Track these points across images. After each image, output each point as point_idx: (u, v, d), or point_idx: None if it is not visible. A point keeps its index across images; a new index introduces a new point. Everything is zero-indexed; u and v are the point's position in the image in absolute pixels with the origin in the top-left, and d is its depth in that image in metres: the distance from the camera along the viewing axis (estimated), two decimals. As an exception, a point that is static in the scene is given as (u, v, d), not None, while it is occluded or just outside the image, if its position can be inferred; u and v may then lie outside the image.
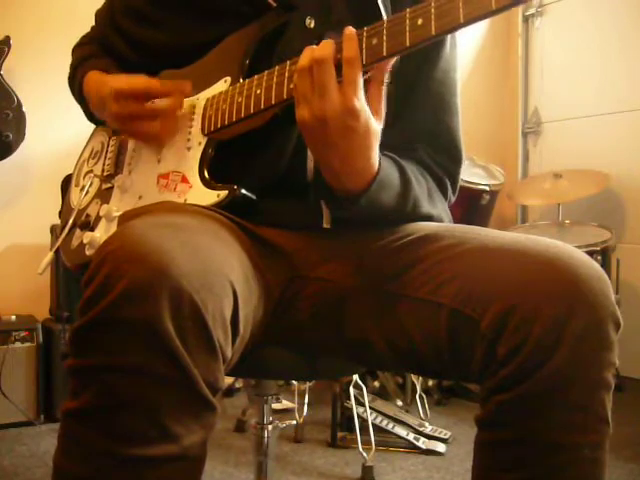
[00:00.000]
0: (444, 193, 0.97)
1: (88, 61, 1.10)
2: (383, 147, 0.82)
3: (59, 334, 2.29)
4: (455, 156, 0.98)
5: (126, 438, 0.63)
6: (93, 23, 1.19)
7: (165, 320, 0.62)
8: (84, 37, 1.19)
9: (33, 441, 2.14)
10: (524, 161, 3.53)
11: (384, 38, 0.73)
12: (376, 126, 0.78)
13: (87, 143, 1.19)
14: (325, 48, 0.76)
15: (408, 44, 0.71)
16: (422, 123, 0.96)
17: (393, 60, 0.76)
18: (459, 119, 0.99)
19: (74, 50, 1.18)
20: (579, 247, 0.73)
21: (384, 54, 0.73)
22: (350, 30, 0.76)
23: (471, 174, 2.67)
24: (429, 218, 0.92)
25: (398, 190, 0.86)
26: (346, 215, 0.86)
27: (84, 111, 1.13)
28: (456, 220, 0.97)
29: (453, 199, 1.00)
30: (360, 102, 0.75)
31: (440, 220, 0.94)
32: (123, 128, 1.00)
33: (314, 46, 0.77)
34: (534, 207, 3.43)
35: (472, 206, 2.63)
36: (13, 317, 2.34)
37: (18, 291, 2.50)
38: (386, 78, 0.77)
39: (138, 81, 0.96)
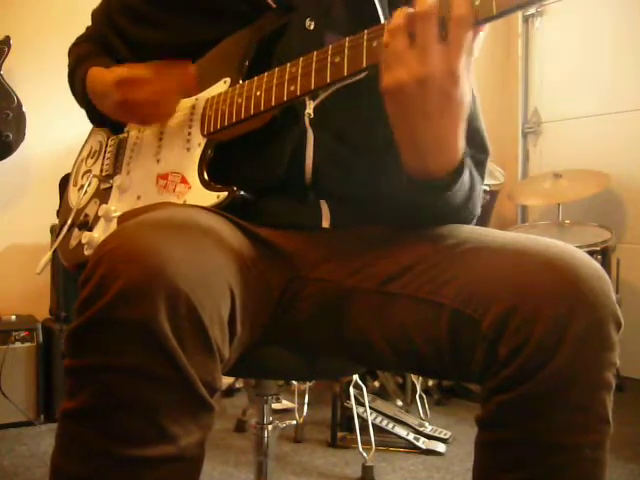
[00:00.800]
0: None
1: (87, 59, 1.10)
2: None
3: (59, 334, 2.29)
4: (482, 146, 0.94)
5: (123, 438, 0.63)
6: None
7: (161, 320, 0.62)
8: (80, 37, 1.18)
9: (33, 441, 2.14)
10: (524, 161, 3.53)
11: None
12: (469, 99, 0.72)
13: (85, 142, 1.19)
14: (427, 3, 0.69)
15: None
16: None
17: (484, 30, 0.70)
18: (478, 107, 0.95)
19: (71, 50, 1.17)
20: (579, 247, 0.73)
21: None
22: None
23: (471, 174, 2.67)
24: (473, 220, 0.88)
25: (468, 185, 0.81)
26: (428, 202, 0.79)
27: (86, 111, 1.13)
28: (456, 220, 0.96)
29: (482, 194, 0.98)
30: (462, 67, 0.69)
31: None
32: (127, 116, 1.01)
33: (406, 7, 0.71)
34: (534, 207, 3.43)
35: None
36: (13, 317, 2.34)
37: (18, 291, 2.50)
38: (474, 50, 0.71)
39: (139, 68, 0.97)
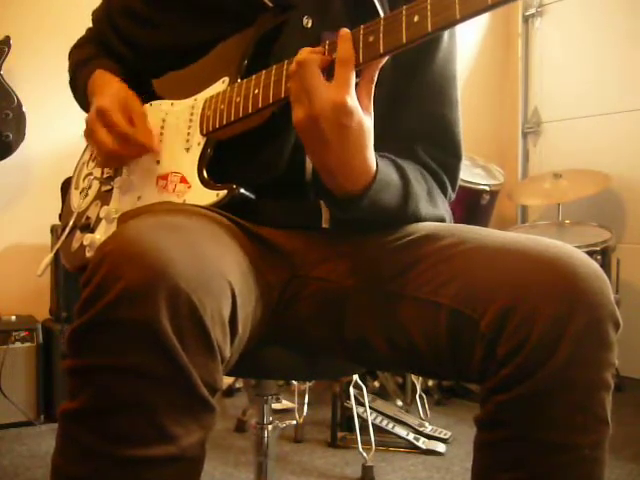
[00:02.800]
0: (444, 191, 0.97)
1: (90, 62, 1.10)
2: (379, 149, 0.82)
3: (59, 334, 2.29)
4: (454, 151, 0.98)
5: (124, 439, 0.63)
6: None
7: (163, 320, 0.62)
8: (80, 39, 1.18)
9: (33, 441, 2.14)
10: (524, 161, 3.53)
11: (380, 36, 0.74)
12: (369, 124, 0.78)
13: (87, 146, 1.19)
14: (307, 51, 0.78)
15: (405, 41, 0.71)
16: (419, 117, 0.96)
17: (385, 59, 0.77)
18: (459, 112, 0.99)
19: (71, 52, 1.17)
20: (579, 247, 0.73)
21: (381, 52, 0.74)
22: (345, 31, 0.76)
23: (471, 174, 2.67)
24: (430, 219, 0.91)
25: (399, 191, 0.86)
26: (348, 216, 0.85)
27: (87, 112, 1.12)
28: (456, 220, 0.97)
29: (453, 196, 1.00)
30: (352, 100, 0.75)
31: (441, 220, 0.93)
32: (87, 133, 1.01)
33: (308, 48, 0.79)
34: (534, 207, 3.43)
35: (472, 206, 2.63)
36: (13, 317, 2.34)
37: (18, 291, 2.50)
38: (375, 76, 0.78)
39: (119, 113, 0.97)
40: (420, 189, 0.90)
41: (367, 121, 0.77)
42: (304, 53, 0.78)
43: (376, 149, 0.81)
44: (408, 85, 0.95)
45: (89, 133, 0.99)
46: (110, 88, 1.01)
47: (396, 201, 0.86)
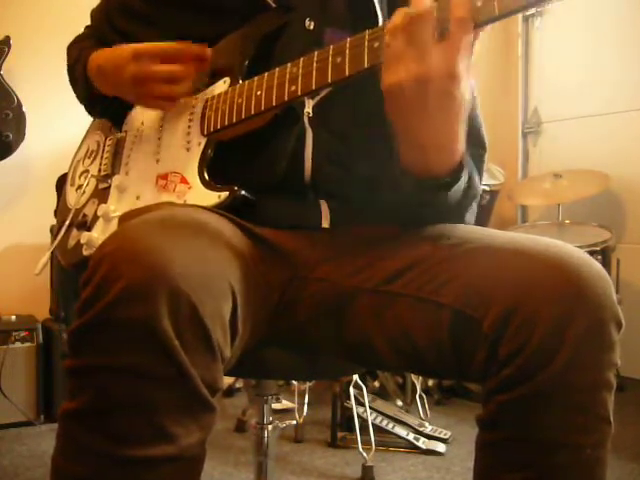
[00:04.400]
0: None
1: (91, 49, 1.09)
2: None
3: (59, 334, 2.29)
4: (482, 143, 0.95)
5: (124, 439, 0.63)
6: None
7: (163, 320, 0.62)
8: (78, 36, 1.18)
9: (33, 441, 2.14)
10: (524, 161, 3.53)
11: None
12: (468, 98, 0.72)
13: (82, 142, 1.19)
14: (425, 4, 0.70)
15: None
16: None
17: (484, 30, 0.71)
18: (481, 116, 0.96)
19: (70, 47, 1.16)
20: (579, 247, 0.73)
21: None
22: None
23: (471, 174, 2.67)
24: (468, 222, 0.89)
25: (465, 183, 0.82)
26: (427, 200, 0.80)
27: (87, 101, 1.10)
28: (456, 220, 0.96)
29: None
30: (462, 67, 0.70)
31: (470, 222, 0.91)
32: (138, 92, 0.97)
33: (405, 8, 0.71)
34: (534, 207, 3.43)
35: (472, 206, 2.62)
36: (13, 317, 2.34)
37: (18, 291, 2.50)
38: (474, 49, 0.72)
39: (158, 44, 0.95)
40: (477, 185, 0.88)
41: (468, 95, 0.72)
42: (421, 6, 0.69)
43: None
44: None
45: (139, 77, 0.94)
46: (121, 46, 0.98)
47: (462, 195, 0.83)
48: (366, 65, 0.75)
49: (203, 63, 0.96)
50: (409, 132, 0.75)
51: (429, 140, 0.74)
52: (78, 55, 1.10)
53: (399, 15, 0.71)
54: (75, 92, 1.13)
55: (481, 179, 0.95)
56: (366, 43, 0.75)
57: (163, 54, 0.94)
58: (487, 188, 2.66)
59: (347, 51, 0.77)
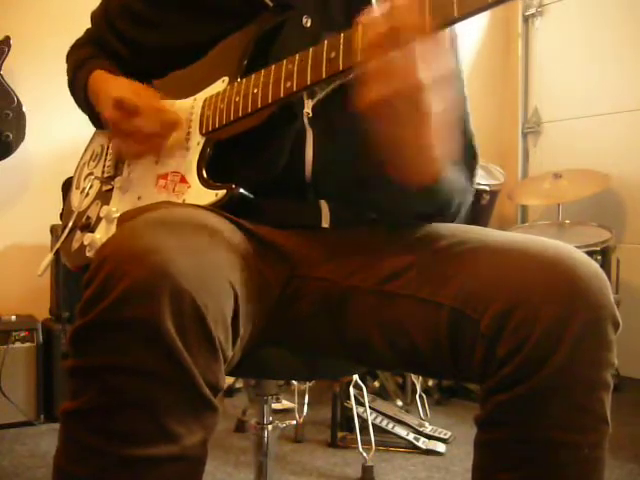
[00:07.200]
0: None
1: (89, 62, 1.10)
2: None
3: (59, 334, 2.29)
4: (474, 154, 0.97)
5: (126, 438, 0.63)
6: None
7: (166, 320, 0.62)
8: (78, 40, 1.18)
9: (33, 441, 2.14)
10: (524, 161, 3.53)
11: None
12: (442, 110, 0.73)
13: (87, 146, 1.20)
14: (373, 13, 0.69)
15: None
16: None
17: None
18: (469, 108, 0.97)
19: (69, 54, 1.17)
20: (579, 247, 0.73)
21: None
22: None
23: (471, 174, 2.67)
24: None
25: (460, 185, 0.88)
26: (414, 204, 0.85)
27: (88, 114, 1.12)
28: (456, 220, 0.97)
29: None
30: (423, 76, 0.69)
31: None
32: (114, 134, 1.00)
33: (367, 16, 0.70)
34: (534, 207, 3.43)
35: (472, 206, 2.62)
36: (13, 317, 2.34)
37: (18, 291, 2.50)
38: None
39: (138, 98, 0.95)
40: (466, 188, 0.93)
41: (436, 105, 0.72)
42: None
43: None
44: None
45: (117, 127, 0.96)
46: (117, 81, 1.01)
47: (448, 197, 0.87)
48: (360, 59, 0.75)
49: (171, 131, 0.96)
50: (390, 143, 0.75)
51: (406, 150, 0.75)
52: (76, 67, 1.11)
53: (373, 26, 0.70)
54: (75, 101, 1.14)
55: (472, 184, 0.98)
56: (360, 37, 0.75)
57: (140, 112, 0.94)
58: (487, 188, 2.65)
59: (341, 46, 0.77)
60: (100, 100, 1.03)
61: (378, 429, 2.13)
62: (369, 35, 0.70)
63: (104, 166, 1.09)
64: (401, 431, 2.19)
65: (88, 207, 1.07)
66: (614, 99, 3.07)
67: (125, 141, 0.98)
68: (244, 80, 0.90)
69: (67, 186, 1.19)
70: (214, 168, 0.93)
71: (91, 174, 1.11)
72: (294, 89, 0.82)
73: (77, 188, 1.15)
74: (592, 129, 3.16)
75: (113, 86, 0.99)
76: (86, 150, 1.19)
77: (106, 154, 1.11)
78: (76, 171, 1.19)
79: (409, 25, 0.67)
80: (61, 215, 1.17)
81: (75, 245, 1.05)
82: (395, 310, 0.81)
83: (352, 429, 2.06)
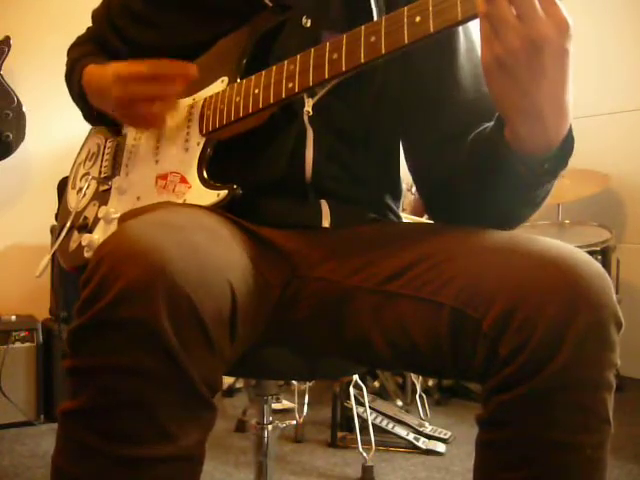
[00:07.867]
0: None
1: (86, 58, 1.10)
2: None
3: (59, 334, 2.29)
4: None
5: (124, 438, 0.63)
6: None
7: (162, 320, 0.62)
8: (80, 38, 1.18)
9: (33, 441, 2.14)
10: (524, 161, 3.52)
11: None
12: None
13: (83, 145, 1.19)
14: None
15: None
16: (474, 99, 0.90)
17: None
18: None
19: (70, 50, 1.17)
20: (579, 247, 0.73)
21: None
22: None
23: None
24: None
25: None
26: (541, 182, 0.78)
27: (81, 109, 1.12)
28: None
29: None
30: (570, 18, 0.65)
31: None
32: (124, 113, 0.98)
33: None
34: (534, 207, 3.42)
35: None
36: (13, 317, 2.34)
37: (18, 291, 2.50)
38: None
39: (139, 65, 0.94)
40: None
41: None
42: None
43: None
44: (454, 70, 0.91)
45: (122, 100, 0.94)
46: (112, 65, 0.99)
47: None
48: (363, 60, 0.75)
49: (187, 79, 0.94)
50: (525, 103, 0.69)
51: (548, 106, 0.69)
52: (73, 63, 1.11)
53: None
54: (71, 96, 1.13)
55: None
56: (362, 38, 0.75)
57: (144, 76, 0.93)
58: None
59: (344, 47, 0.77)
60: (95, 93, 1.02)
61: (378, 429, 2.13)
62: None
63: (101, 166, 1.09)
64: (401, 431, 2.19)
65: (85, 207, 1.07)
66: (614, 99, 3.07)
67: (139, 108, 0.94)
68: (244, 80, 0.90)
69: (62, 186, 1.19)
70: (215, 169, 0.93)
71: (87, 174, 1.11)
72: (296, 90, 0.82)
73: (73, 188, 1.14)
74: (592, 129, 3.16)
75: (106, 72, 0.98)
76: (81, 149, 1.19)
77: (103, 154, 1.10)
78: (72, 171, 1.18)
79: None
80: (56, 215, 1.16)
81: (73, 245, 1.05)
82: (396, 310, 0.81)
83: (352, 429, 2.06)
